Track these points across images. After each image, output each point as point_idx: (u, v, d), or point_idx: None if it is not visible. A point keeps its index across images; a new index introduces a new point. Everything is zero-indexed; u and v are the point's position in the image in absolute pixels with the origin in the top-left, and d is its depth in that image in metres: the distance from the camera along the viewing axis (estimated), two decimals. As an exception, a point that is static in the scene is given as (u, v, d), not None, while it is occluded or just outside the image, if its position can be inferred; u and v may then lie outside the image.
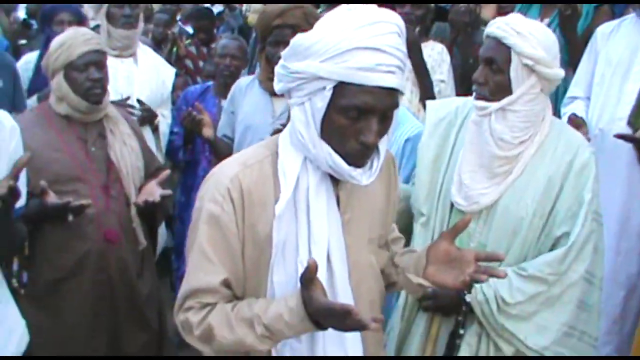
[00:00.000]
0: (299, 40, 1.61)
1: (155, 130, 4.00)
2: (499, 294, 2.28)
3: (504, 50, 2.26)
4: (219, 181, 1.69)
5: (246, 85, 3.45)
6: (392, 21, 1.58)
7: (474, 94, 2.36)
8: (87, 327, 2.85)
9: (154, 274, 3.16)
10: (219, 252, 1.68)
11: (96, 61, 2.84)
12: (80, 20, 4.19)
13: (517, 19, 2.32)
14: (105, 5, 3.85)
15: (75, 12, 4.24)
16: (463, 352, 2.38)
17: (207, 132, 3.49)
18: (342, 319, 1.51)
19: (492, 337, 2.34)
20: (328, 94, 1.56)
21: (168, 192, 2.92)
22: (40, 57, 4.07)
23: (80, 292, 2.81)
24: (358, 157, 1.62)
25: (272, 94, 3.21)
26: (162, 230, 3.82)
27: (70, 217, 2.59)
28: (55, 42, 2.85)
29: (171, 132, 4.17)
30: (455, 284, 1.70)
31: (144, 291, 3.00)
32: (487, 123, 2.30)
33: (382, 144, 1.67)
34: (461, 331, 2.38)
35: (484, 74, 2.31)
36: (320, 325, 1.59)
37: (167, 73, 4.20)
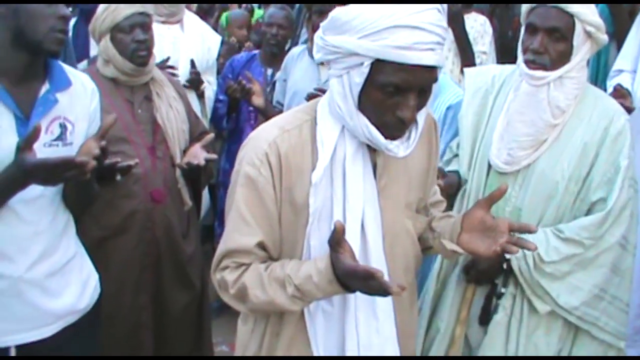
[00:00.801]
0: (337, 14, 1.59)
1: (201, 96, 4.05)
2: (536, 251, 2.27)
3: (566, 18, 2.25)
4: (257, 145, 1.70)
5: (298, 54, 3.54)
6: None
7: (526, 64, 2.33)
8: (133, 284, 2.91)
9: (198, 236, 3.21)
10: (255, 214, 1.70)
11: (141, 23, 2.87)
12: None
13: None
14: None
15: None
16: (499, 314, 2.41)
17: (257, 100, 3.57)
18: (365, 281, 1.52)
19: (527, 295, 2.36)
20: (365, 70, 1.55)
21: (213, 156, 2.96)
22: (75, 25, 4.14)
23: (126, 250, 2.87)
24: (395, 130, 1.62)
25: (320, 61, 3.26)
26: (205, 197, 3.86)
27: (118, 177, 2.61)
28: (101, 6, 2.89)
29: (216, 100, 4.21)
30: (487, 253, 1.71)
31: (188, 251, 3.05)
32: (545, 92, 2.30)
33: (420, 115, 1.66)
34: (503, 290, 2.41)
35: (543, 43, 2.28)
36: (349, 288, 1.61)
37: (213, 40, 4.24)
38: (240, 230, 1.71)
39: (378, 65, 1.53)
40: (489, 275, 2.41)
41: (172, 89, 3.05)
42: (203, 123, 3.39)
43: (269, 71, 4.09)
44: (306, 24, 3.36)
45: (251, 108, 3.90)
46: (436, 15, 1.53)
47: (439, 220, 1.92)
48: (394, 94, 1.56)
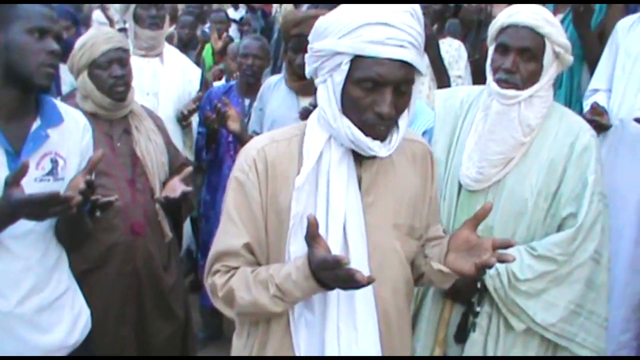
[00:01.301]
0: (319, 22, 1.74)
1: (186, 126, 4.10)
2: (510, 269, 2.35)
3: (537, 39, 2.35)
4: (247, 153, 1.82)
5: (274, 83, 3.60)
6: (405, 4, 1.68)
7: (498, 83, 2.39)
8: (115, 317, 2.93)
9: (179, 267, 3.25)
10: (242, 216, 1.79)
11: (119, 58, 2.93)
12: (75, 22, 4.77)
13: (540, 8, 2.42)
14: (132, 7, 3.97)
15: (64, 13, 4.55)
16: (475, 333, 2.44)
17: (233, 125, 3.62)
18: (334, 271, 1.57)
19: (503, 313, 2.40)
20: (345, 67, 1.67)
21: (189, 188, 2.99)
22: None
23: (107, 283, 2.89)
24: (374, 127, 1.69)
25: (298, 92, 3.40)
26: (187, 229, 3.90)
27: (98, 213, 2.63)
28: (78, 42, 2.95)
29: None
30: (470, 271, 1.75)
31: (170, 282, 3.08)
32: (517, 111, 2.37)
33: (402, 120, 1.75)
34: (478, 309, 2.44)
35: (515, 62, 2.36)
36: (326, 284, 1.65)
37: (194, 72, 4.30)
38: (229, 231, 1.80)
39: (356, 62, 1.65)
40: (463, 293, 2.44)
41: (151, 122, 3.10)
42: (182, 155, 3.44)
43: (247, 101, 4.13)
44: (284, 55, 3.47)
45: (230, 139, 3.94)
46: (408, 17, 1.67)
47: (431, 248, 1.96)
48: (371, 91, 1.66)
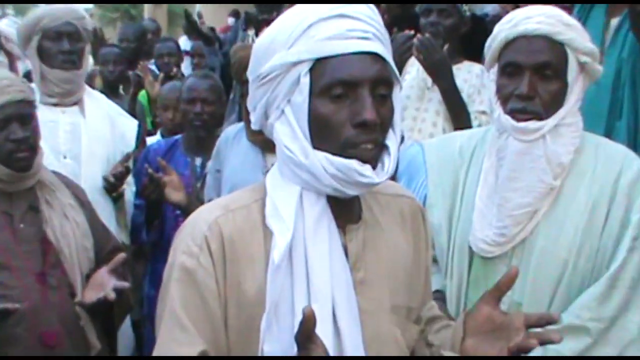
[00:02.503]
0: (256, 46, 1.83)
1: (117, 199, 4.06)
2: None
3: (557, 50, 2.39)
4: (195, 228, 1.81)
5: (233, 136, 3.66)
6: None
7: (512, 115, 2.42)
8: None
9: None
10: (194, 316, 1.76)
11: (19, 115, 2.93)
12: None
13: (553, 8, 2.45)
14: (36, 39, 3.88)
15: None
16: None
17: (174, 195, 3.65)
18: None
19: None
20: (305, 79, 1.72)
21: (124, 284, 2.97)
22: None
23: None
24: (359, 147, 1.72)
25: (263, 148, 3.45)
26: (128, 335, 3.91)
27: None
28: None
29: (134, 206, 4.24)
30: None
31: (100, 409, 3.06)
32: (542, 147, 2.40)
33: (391, 141, 1.80)
34: None
35: (533, 85, 2.39)
36: None
37: (128, 125, 4.27)
38: (177, 338, 1.76)
39: (317, 69, 1.71)
40: None
41: (68, 193, 3.13)
42: (114, 237, 3.45)
43: (197, 160, 4.15)
44: (241, 102, 3.51)
45: (178, 211, 3.92)
46: (364, 7, 1.77)
47: (436, 333, 1.98)
48: (344, 99, 1.71)
